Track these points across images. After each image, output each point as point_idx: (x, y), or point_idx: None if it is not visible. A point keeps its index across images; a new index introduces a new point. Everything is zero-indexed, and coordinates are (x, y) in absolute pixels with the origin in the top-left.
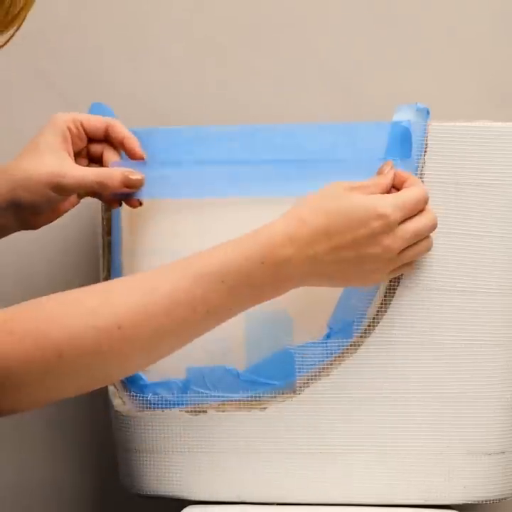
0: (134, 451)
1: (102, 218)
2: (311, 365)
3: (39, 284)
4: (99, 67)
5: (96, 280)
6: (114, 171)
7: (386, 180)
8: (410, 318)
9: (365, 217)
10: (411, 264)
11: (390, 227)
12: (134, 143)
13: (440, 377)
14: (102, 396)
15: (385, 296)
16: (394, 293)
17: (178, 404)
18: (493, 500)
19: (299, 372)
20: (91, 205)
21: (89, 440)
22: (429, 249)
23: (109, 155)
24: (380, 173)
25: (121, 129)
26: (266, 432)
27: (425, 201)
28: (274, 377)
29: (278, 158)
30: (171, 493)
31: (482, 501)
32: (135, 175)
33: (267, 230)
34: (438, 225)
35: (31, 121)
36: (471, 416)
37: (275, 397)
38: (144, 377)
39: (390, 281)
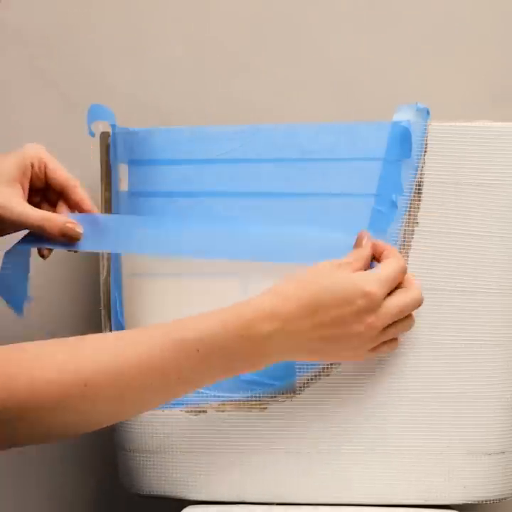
0: (133, 451)
1: None
2: (311, 365)
3: (39, 284)
4: (99, 67)
5: (96, 280)
6: (55, 218)
7: (366, 252)
8: None
9: (352, 295)
10: (394, 343)
11: (375, 304)
12: (89, 208)
13: (440, 377)
14: None
15: None
16: None
17: (178, 404)
18: (493, 500)
19: (299, 372)
20: None
21: (89, 440)
22: (411, 326)
23: (60, 211)
24: (358, 245)
25: (80, 193)
26: (266, 432)
27: (404, 272)
28: (274, 377)
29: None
30: (171, 493)
31: (482, 501)
32: (76, 227)
33: (250, 303)
34: (438, 225)
35: (31, 121)
36: (471, 416)
37: (275, 397)
38: None
39: None
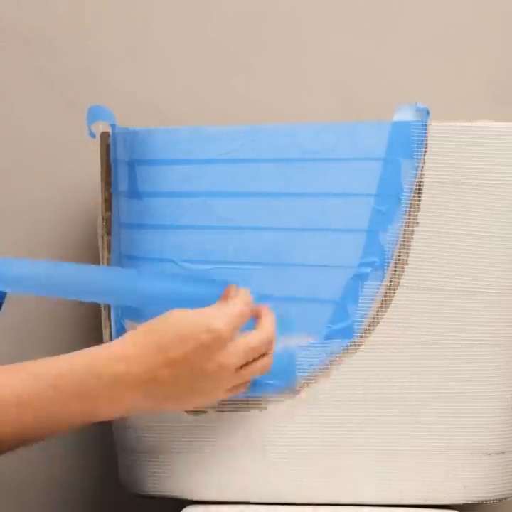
0: (133, 451)
1: (102, 218)
2: (311, 365)
3: None
4: (99, 67)
5: None
6: None
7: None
8: (410, 318)
9: (195, 330)
10: (245, 386)
11: (221, 340)
12: None
13: (440, 377)
14: None
15: (384, 296)
16: (394, 293)
17: None
18: (493, 500)
19: (299, 372)
20: (91, 205)
21: (89, 440)
22: (265, 368)
23: None
24: (224, 298)
25: None
26: (266, 432)
27: (247, 313)
28: (274, 377)
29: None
30: (171, 493)
31: (482, 501)
32: None
33: (103, 346)
34: (438, 225)
35: (31, 121)
36: (471, 416)
37: (275, 397)
38: None
39: (390, 281)
